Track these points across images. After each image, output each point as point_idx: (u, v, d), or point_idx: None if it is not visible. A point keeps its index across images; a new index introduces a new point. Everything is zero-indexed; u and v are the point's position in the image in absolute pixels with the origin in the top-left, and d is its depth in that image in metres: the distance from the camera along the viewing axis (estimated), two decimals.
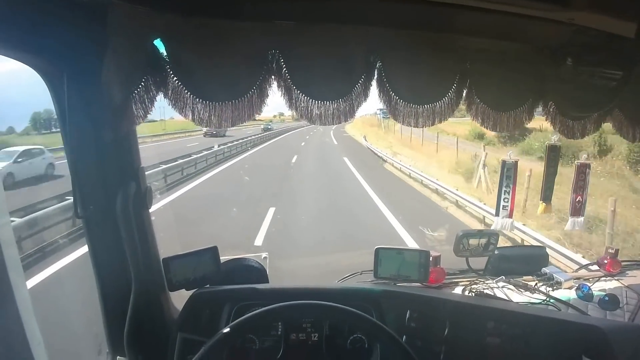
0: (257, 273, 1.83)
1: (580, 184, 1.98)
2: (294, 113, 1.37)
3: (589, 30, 1.29)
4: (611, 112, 1.63)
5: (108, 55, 1.17)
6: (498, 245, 1.91)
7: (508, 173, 1.88)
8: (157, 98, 1.28)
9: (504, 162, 1.90)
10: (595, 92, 1.47)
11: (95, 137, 1.33)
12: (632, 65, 1.32)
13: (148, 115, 1.29)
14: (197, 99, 1.27)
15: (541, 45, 1.45)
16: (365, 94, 1.37)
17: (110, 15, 1.13)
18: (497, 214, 1.92)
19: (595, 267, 2.10)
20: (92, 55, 1.16)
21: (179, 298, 1.65)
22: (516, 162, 1.89)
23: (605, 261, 2.02)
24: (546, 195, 1.95)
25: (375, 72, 1.37)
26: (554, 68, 1.46)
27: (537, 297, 1.78)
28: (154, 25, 1.22)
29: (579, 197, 1.99)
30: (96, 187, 1.39)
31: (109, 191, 1.39)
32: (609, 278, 1.98)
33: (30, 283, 4.89)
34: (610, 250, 2.03)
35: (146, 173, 1.49)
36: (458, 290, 1.84)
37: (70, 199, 1.39)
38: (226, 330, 1.22)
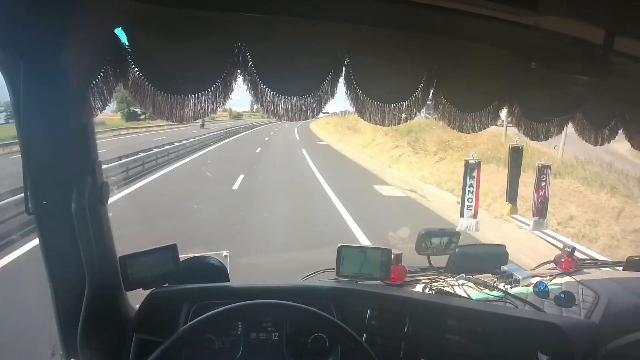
0: (218, 271, 1.79)
1: (542, 184, 2.03)
2: (260, 108, 1.34)
3: (556, 34, 1.31)
4: (574, 116, 1.67)
5: (66, 44, 1.11)
6: (459, 244, 1.94)
7: (471, 174, 1.90)
8: (117, 89, 1.23)
9: (466, 163, 1.92)
10: (560, 97, 1.50)
11: (51, 129, 1.27)
12: (597, 70, 1.35)
13: (106, 107, 1.23)
14: (158, 91, 1.22)
15: (508, 48, 1.46)
16: (332, 90, 1.35)
17: (69, 2, 1.08)
18: (461, 215, 1.93)
19: (553, 265, 2.16)
20: (50, 44, 1.11)
21: (137, 297, 1.60)
22: (479, 163, 1.91)
23: (562, 259, 2.08)
24: (511, 196, 1.98)
25: (343, 69, 1.35)
26: (520, 71, 1.48)
27: (495, 295, 1.82)
28: (115, 13, 1.16)
29: (541, 197, 2.03)
30: (50, 182, 1.33)
31: (64, 186, 1.32)
32: (565, 276, 2.04)
33: None
34: (567, 249, 2.10)
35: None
36: (419, 288, 1.86)
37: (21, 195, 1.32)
38: (182, 330, 1.19)
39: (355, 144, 25.80)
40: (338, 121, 39.19)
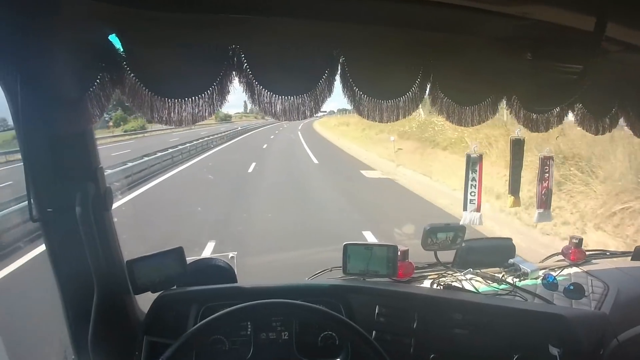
0: (225, 273, 1.81)
1: (545, 176, 2.01)
2: (257, 109, 1.35)
3: (548, 24, 1.30)
4: (573, 105, 1.66)
5: (63, 52, 1.13)
6: (465, 238, 1.93)
7: (473, 167, 1.89)
8: (114, 95, 1.24)
9: (468, 156, 1.91)
10: (557, 86, 1.49)
11: (51, 137, 1.29)
12: (591, 58, 1.34)
13: (104, 113, 1.25)
14: (155, 96, 1.23)
15: (502, 40, 1.45)
16: (329, 89, 1.36)
17: (63, 10, 1.09)
18: (465, 209, 1.92)
19: (560, 256, 2.14)
20: (46, 52, 1.12)
21: (145, 301, 1.62)
22: (481, 156, 1.90)
23: (570, 251, 2.06)
24: (514, 188, 1.96)
25: (339, 67, 1.35)
26: (514, 62, 1.47)
27: (503, 288, 1.81)
28: (109, 19, 1.18)
29: (545, 189, 2.02)
30: (53, 190, 1.35)
31: (67, 193, 1.34)
32: (573, 267, 2.02)
33: None
34: (574, 240, 2.07)
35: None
36: (427, 283, 1.86)
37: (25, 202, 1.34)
38: (192, 331, 1.20)
39: None
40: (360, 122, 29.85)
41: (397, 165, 15.85)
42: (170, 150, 20.08)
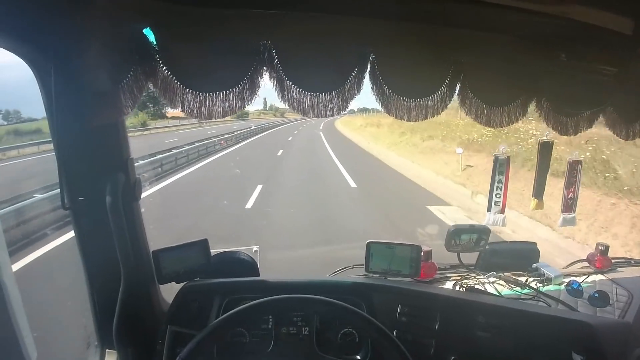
0: (248, 266, 1.83)
1: (572, 180, 1.98)
2: (286, 105, 1.35)
3: (584, 25, 1.27)
4: (605, 109, 1.63)
5: (97, 44, 1.15)
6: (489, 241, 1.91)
7: (500, 169, 1.87)
8: (146, 88, 1.26)
9: (496, 158, 1.89)
10: (590, 89, 1.46)
11: (84, 127, 1.32)
12: (627, 62, 1.31)
13: (136, 105, 1.27)
14: (187, 90, 1.25)
15: (535, 40, 1.43)
16: (358, 86, 1.35)
17: (98, 3, 1.11)
18: (489, 210, 1.91)
19: (586, 263, 2.10)
20: (80, 44, 1.15)
21: (169, 291, 1.65)
22: (508, 158, 1.88)
23: (595, 258, 2.03)
24: (538, 191, 1.94)
25: (369, 64, 1.34)
26: (548, 63, 1.45)
27: (527, 293, 1.79)
28: (144, 13, 1.19)
29: (571, 193, 1.99)
30: (84, 179, 1.38)
31: (98, 183, 1.37)
32: (599, 275, 1.99)
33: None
34: (600, 247, 2.04)
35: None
36: (449, 285, 1.85)
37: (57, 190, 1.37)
38: (216, 322, 1.22)
39: None
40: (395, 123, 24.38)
41: (473, 193, 10.47)
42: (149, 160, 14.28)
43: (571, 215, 2.01)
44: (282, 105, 1.39)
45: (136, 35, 1.21)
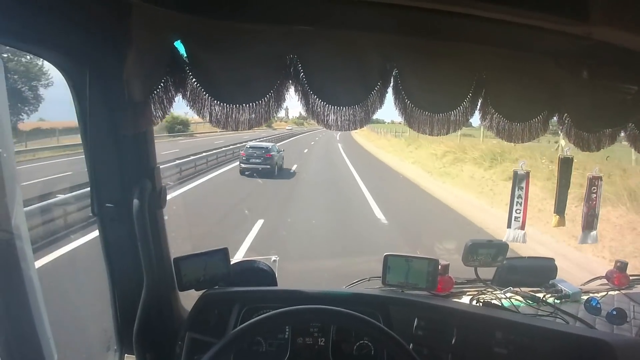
0: (267, 275, 1.84)
1: (592, 196, 1.97)
2: (310, 118, 1.38)
3: (607, 45, 1.28)
4: (626, 126, 1.63)
5: (129, 55, 1.18)
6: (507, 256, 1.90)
7: (520, 184, 1.86)
8: (176, 99, 1.29)
9: (515, 173, 1.88)
10: (612, 107, 1.46)
11: (114, 135, 1.35)
12: None
13: (166, 115, 1.30)
14: (215, 101, 1.28)
15: (558, 58, 1.44)
16: (381, 100, 1.38)
17: (132, 15, 1.14)
18: (509, 226, 1.90)
19: (604, 280, 2.09)
20: (114, 54, 1.18)
21: (189, 298, 1.66)
22: (528, 173, 1.87)
23: (614, 275, 2.01)
24: (559, 207, 1.93)
25: (392, 79, 1.37)
26: (570, 81, 1.46)
27: (544, 309, 1.78)
28: (175, 26, 1.23)
29: (591, 209, 1.98)
30: (113, 186, 1.41)
31: (125, 190, 1.41)
32: (617, 292, 1.97)
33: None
34: (618, 264, 2.02)
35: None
36: (466, 299, 1.84)
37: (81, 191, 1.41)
38: (236, 332, 1.23)
39: None
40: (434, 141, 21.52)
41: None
42: None
43: (592, 232, 2.00)
44: (302, 113, 1.40)
45: (168, 48, 1.24)
